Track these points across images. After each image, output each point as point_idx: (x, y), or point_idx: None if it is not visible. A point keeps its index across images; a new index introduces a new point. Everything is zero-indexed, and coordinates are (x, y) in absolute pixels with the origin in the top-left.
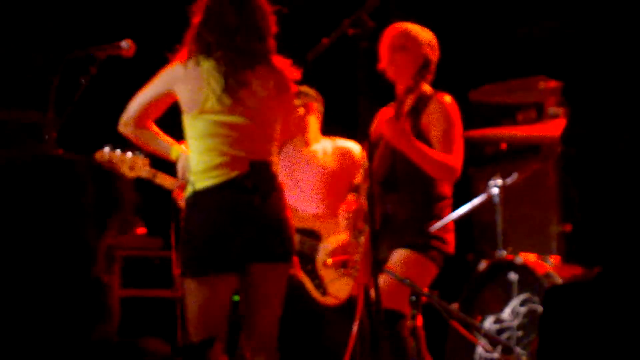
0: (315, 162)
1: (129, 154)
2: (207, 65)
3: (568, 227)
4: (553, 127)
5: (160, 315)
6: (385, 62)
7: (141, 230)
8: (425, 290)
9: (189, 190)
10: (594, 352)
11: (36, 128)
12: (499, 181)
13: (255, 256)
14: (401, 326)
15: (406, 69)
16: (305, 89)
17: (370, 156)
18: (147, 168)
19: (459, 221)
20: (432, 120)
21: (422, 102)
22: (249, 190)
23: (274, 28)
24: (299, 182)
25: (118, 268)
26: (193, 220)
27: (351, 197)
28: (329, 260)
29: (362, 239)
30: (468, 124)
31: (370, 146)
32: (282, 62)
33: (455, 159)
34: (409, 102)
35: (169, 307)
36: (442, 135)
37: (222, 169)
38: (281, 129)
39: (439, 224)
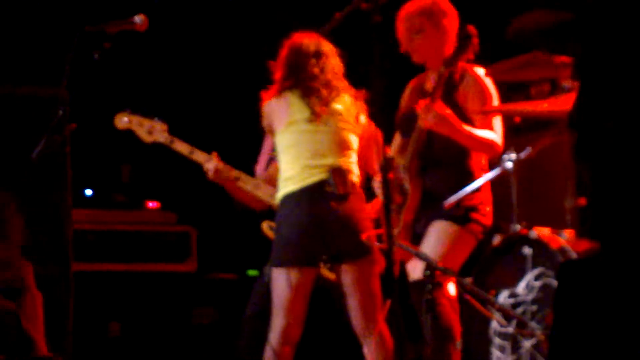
0: None
1: (148, 118)
2: (292, 95)
3: (582, 201)
4: (567, 101)
5: (175, 290)
6: (406, 47)
7: (155, 205)
8: (458, 264)
9: (279, 195)
10: (609, 326)
11: (50, 103)
12: (513, 155)
13: (332, 256)
14: (438, 294)
15: (430, 50)
16: None
17: (402, 130)
18: (165, 134)
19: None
20: (468, 94)
21: (453, 76)
22: (327, 194)
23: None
24: None
25: None
26: (280, 219)
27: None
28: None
29: (402, 213)
30: None
31: (401, 120)
32: (354, 92)
33: (497, 134)
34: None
35: (184, 282)
36: (480, 110)
37: (304, 175)
38: (363, 145)
39: (453, 198)
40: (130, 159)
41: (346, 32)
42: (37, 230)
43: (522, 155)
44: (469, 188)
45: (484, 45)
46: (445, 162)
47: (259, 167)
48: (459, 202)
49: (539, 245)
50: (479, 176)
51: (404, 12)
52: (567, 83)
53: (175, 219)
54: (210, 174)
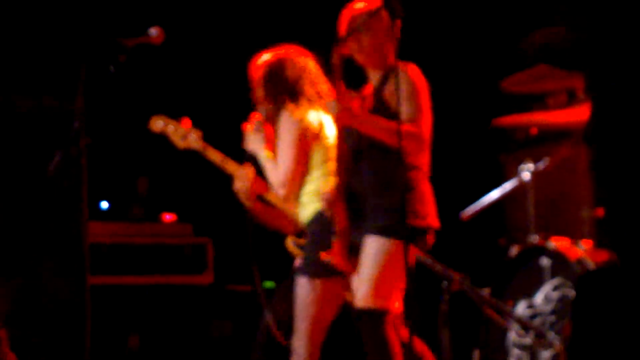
0: None
1: (181, 127)
2: (317, 110)
3: (600, 212)
4: (584, 112)
5: (192, 302)
6: (350, 48)
7: (171, 217)
8: (456, 276)
9: (313, 208)
10: (627, 337)
11: (65, 116)
12: (531, 166)
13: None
14: (384, 326)
15: (373, 50)
16: None
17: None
18: (200, 141)
19: (490, 206)
20: (393, 89)
21: (385, 76)
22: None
23: None
24: None
25: None
26: (318, 231)
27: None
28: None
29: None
30: (499, 111)
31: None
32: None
33: (418, 125)
34: (375, 80)
35: (200, 294)
36: (404, 102)
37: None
38: None
39: (469, 210)
40: (146, 172)
41: None
42: (53, 243)
43: (540, 165)
44: (486, 200)
45: (498, 58)
46: (372, 161)
47: None
48: (390, 210)
49: (557, 256)
50: (412, 175)
51: (350, 11)
52: (584, 93)
53: (191, 231)
54: (240, 185)
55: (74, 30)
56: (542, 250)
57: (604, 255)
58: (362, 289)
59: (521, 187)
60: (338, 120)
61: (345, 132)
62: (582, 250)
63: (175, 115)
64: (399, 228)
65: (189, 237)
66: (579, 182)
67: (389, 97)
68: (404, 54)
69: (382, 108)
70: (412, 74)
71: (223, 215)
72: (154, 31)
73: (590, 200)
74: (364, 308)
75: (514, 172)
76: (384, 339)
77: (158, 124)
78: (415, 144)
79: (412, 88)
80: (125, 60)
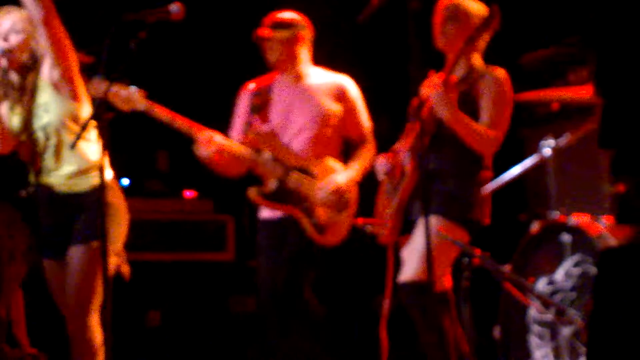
0: (310, 102)
1: (123, 89)
2: None
3: (621, 187)
4: None
5: (212, 279)
6: (437, 33)
7: (192, 194)
8: (452, 258)
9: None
10: None
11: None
12: (552, 142)
13: None
14: (430, 299)
15: (455, 39)
16: (291, 16)
17: (413, 114)
18: (144, 101)
19: (511, 182)
20: (482, 93)
21: (473, 75)
22: None
23: None
24: (293, 123)
25: None
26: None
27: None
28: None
29: (398, 194)
30: (520, 87)
31: (416, 105)
32: None
33: (497, 134)
34: (458, 73)
35: (221, 270)
36: (490, 108)
37: None
38: None
39: (490, 186)
40: (167, 147)
41: (383, 19)
42: None
43: (561, 141)
44: (506, 176)
45: (522, 33)
46: (453, 149)
47: (235, 132)
48: (460, 197)
49: (577, 232)
50: (485, 174)
51: (443, 2)
52: None
53: (212, 207)
54: (202, 144)
55: (95, 7)
56: (563, 227)
57: (625, 232)
58: (413, 263)
59: (542, 163)
60: (436, 110)
61: (432, 115)
62: (603, 226)
63: (196, 89)
64: (460, 214)
65: (210, 214)
66: (600, 158)
67: (475, 99)
68: (424, 29)
69: (465, 105)
70: (502, 80)
71: (244, 191)
72: (174, 7)
73: (611, 176)
74: (411, 281)
75: (534, 148)
76: (433, 312)
77: (97, 89)
78: (490, 149)
79: (499, 96)
80: (146, 36)
